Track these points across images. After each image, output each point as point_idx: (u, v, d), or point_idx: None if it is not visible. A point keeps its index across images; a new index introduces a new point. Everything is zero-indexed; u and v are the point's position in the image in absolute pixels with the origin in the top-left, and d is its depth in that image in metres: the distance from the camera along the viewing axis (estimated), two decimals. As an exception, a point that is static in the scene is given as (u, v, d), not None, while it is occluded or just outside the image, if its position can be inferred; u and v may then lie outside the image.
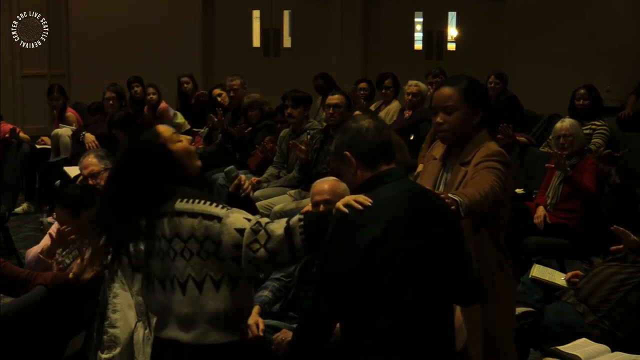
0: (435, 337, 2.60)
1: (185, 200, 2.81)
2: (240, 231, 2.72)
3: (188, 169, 2.92)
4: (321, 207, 3.75)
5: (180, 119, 8.86)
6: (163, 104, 9.03)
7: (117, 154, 3.02)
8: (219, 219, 2.76)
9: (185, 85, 9.32)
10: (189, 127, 8.76)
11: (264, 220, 2.77)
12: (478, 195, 2.91)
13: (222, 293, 2.81)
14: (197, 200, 2.80)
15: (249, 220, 2.75)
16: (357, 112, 6.13)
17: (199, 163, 3.01)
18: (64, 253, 4.08)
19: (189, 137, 3.04)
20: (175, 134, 2.97)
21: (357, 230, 2.52)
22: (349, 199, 2.59)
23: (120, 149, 3.01)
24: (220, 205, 2.80)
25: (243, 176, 3.16)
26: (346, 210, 2.55)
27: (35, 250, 4.32)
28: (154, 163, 2.86)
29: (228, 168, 3.20)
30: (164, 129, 2.96)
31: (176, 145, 2.92)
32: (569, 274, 4.42)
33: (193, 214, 2.78)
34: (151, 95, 9.12)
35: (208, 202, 2.80)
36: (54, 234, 4.20)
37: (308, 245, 2.69)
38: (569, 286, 4.33)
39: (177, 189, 2.84)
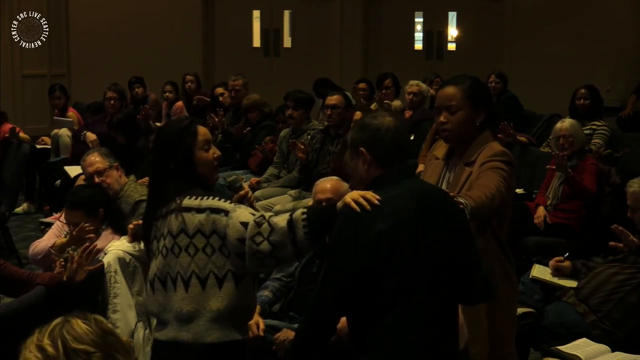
0: (439, 336, 2.59)
1: (193, 197, 2.84)
2: (245, 224, 2.74)
3: (204, 177, 2.95)
4: (323, 206, 3.74)
5: None
6: (179, 103, 9.03)
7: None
8: (226, 212, 2.79)
9: (188, 84, 9.30)
10: None
11: (268, 214, 2.79)
12: (484, 197, 2.90)
13: (225, 291, 2.81)
14: (205, 197, 2.84)
15: (254, 215, 2.77)
16: (357, 112, 6.14)
17: (216, 177, 3.06)
18: (71, 248, 4.10)
19: (219, 153, 3.02)
20: (210, 141, 3.00)
21: (364, 226, 2.50)
22: (357, 194, 2.55)
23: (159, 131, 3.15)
24: (228, 201, 2.84)
25: (247, 187, 3.16)
26: (355, 206, 2.52)
27: (44, 244, 4.31)
28: (173, 156, 2.91)
29: (231, 178, 3.16)
30: (204, 131, 2.99)
31: (201, 153, 2.94)
32: (554, 259, 4.49)
33: (200, 210, 2.80)
34: (167, 94, 9.13)
35: (217, 198, 2.83)
36: (58, 231, 4.21)
37: (310, 239, 2.70)
38: (553, 270, 4.44)
39: (187, 187, 2.87)
